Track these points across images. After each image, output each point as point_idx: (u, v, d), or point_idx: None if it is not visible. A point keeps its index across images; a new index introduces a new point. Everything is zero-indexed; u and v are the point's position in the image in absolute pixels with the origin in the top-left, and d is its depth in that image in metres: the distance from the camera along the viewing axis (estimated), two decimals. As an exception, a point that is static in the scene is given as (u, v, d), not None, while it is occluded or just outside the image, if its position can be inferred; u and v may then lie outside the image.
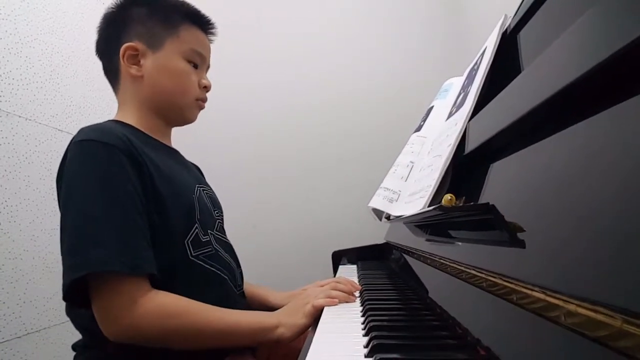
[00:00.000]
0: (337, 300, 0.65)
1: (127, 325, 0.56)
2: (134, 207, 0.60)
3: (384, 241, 1.28)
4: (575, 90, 0.31)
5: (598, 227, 0.25)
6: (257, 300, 0.87)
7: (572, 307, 0.24)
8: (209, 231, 0.73)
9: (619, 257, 0.22)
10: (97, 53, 0.78)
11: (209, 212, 0.77)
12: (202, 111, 0.82)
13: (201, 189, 0.78)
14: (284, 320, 0.62)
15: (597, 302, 0.22)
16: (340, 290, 0.68)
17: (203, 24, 0.79)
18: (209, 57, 0.82)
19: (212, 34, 0.82)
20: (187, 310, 0.60)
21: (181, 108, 0.77)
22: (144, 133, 0.73)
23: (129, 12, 0.75)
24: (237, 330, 0.61)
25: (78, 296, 0.58)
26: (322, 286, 0.76)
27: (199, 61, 0.78)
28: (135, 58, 0.73)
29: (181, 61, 0.75)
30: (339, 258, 1.28)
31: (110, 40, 0.75)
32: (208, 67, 0.83)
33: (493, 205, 0.39)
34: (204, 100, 0.80)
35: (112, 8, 0.76)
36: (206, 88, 0.80)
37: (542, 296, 0.28)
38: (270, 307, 0.83)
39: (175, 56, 0.74)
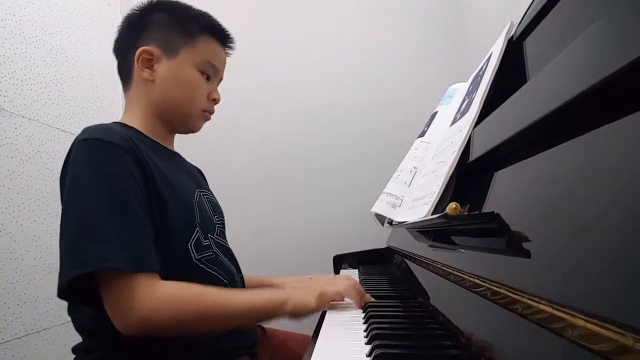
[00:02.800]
0: (346, 299, 0.66)
1: (142, 318, 0.56)
2: (137, 205, 0.60)
3: (386, 246, 1.28)
4: (582, 102, 0.31)
5: (606, 238, 0.25)
6: (260, 285, 0.88)
7: (580, 322, 0.24)
8: (209, 235, 0.74)
9: (631, 270, 0.22)
10: (113, 51, 0.79)
11: (209, 216, 0.77)
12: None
13: (201, 193, 0.78)
14: (294, 297, 0.62)
15: (606, 319, 0.21)
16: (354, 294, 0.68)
17: (222, 37, 0.80)
18: (223, 70, 0.82)
19: (230, 47, 0.82)
20: (199, 295, 0.60)
21: (186, 117, 0.78)
22: (147, 136, 0.74)
23: (150, 16, 0.76)
24: (250, 307, 0.62)
25: (76, 294, 0.58)
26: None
27: (211, 73, 0.78)
28: (149, 62, 0.74)
29: (193, 71, 0.76)
30: (340, 262, 1.28)
31: (128, 41, 0.76)
32: (221, 79, 0.83)
33: (498, 214, 0.39)
34: (211, 112, 0.81)
35: (135, 10, 0.77)
36: (215, 100, 0.80)
37: (548, 309, 0.28)
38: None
39: (188, 66, 0.75)
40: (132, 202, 0.59)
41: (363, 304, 0.65)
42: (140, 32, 0.75)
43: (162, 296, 0.57)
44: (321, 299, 0.63)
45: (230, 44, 0.82)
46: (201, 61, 0.76)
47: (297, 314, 0.62)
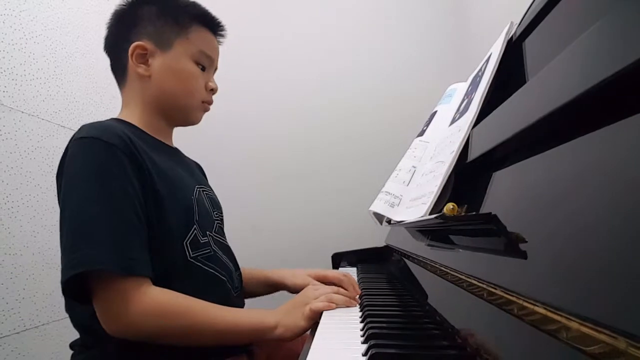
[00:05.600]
0: (334, 305, 0.65)
1: (127, 323, 0.56)
2: (131, 208, 0.60)
3: (384, 244, 1.28)
4: (581, 104, 0.31)
5: (603, 241, 0.25)
6: (253, 278, 0.89)
7: (574, 325, 0.24)
8: (207, 232, 0.73)
9: (627, 274, 0.22)
10: (105, 49, 0.78)
11: (208, 213, 0.77)
12: (204, 110, 0.81)
13: (201, 189, 0.78)
14: (284, 321, 0.62)
15: (600, 323, 0.22)
16: (342, 295, 0.68)
17: (213, 25, 0.79)
18: (217, 59, 0.82)
19: (222, 35, 0.82)
20: (186, 309, 0.60)
21: (186, 110, 0.78)
22: (146, 132, 0.73)
23: (139, 10, 0.75)
24: (236, 329, 0.61)
25: (78, 292, 0.58)
26: (323, 276, 0.79)
27: (207, 63, 0.78)
28: (144, 57, 0.73)
29: (189, 63, 0.75)
30: (338, 260, 1.28)
31: (120, 38, 0.75)
32: (215, 69, 0.83)
33: (495, 215, 0.39)
34: (210, 102, 0.81)
35: (123, 5, 0.76)
36: (213, 91, 0.80)
37: (543, 311, 0.28)
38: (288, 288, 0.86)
39: (183, 57, 0.74)
40: (126, 204, 0.59)
41: (355, 297, 0.66)
42: (131, 28, 0.74)
43: (150, 303, 0.57)
44: (311, 315, 0.62)
45: (221, 32, 0.81)
46: (196, 52, 0.75)
47: (288, 336, 0.62)
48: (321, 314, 0.62)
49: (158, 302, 0.58)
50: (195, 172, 0.88)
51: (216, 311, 0.62)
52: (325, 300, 0.64)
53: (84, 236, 0.56)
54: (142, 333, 0.58)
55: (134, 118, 0.74)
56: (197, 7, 0.78)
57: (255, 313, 0.65)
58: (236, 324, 0.62)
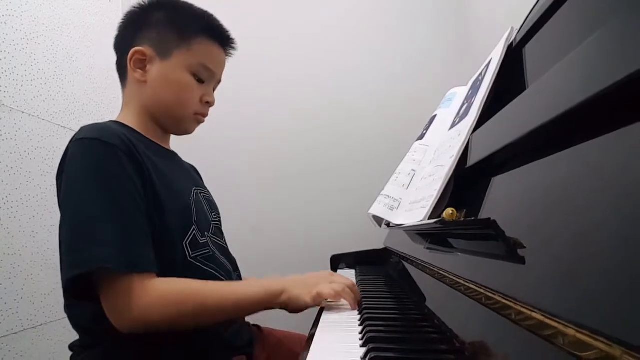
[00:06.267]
0: (341, 300, 0.65)
1: (135, 318, 0.57)
2: (134, 206, 0.60)
3: (383, 246, 1.28)
4: (581, 111, 0.31)
5: (602, 247, 0.25)
6: None
7: (570, 331, 0.24)
8: (205, 233, 0.74)
9: (626, 283, 0.22)
10: (114, 47, 0.78)
11: (206, 214, 0.77)
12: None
13: (198, 191, 0.78)
14: (290, 290, 0.63)
15: (597, 331, 0.22)
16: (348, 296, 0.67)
17: (222, 39, 0.78)
18: (221, 73, 0.81)
19: (232, 48, 0.81)
20: (191, 294, 0.61)
21: (178, 120, 0.77)
22: (143, 136, 0.73)
23: (149, 15, 0.75)
24: (244, 302, 0.63)
25: (80, 291, 0.59)
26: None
27: (205, 77, 0.76)
28: (142, 63, 0.73)
29: (185, 74, 0.74)
30: (337, 262, 1.28)
31: (125, 40, 0.75)
32: (219, 82, 0.82)
33: (494, 221, 0.39)
34: (204, 115, 0.80)
35: (136, 7, 0.76)
36: (208, 104, 0.79)
37: (540, 317, 0.28)
38: None
39: (180, 68, 0.74)
40: (128, 202, 0.60)
41: (357, 306, 0.65)
42: (137, 31, 0.74)
43: (154, 296, 0.58)
44: (317, 297, 0.63)
45: (231, 45, 0.80)
46: (194, 64, 0.74)
47: (290, 306, 0.63)
48: (322, 311, 0.63)
49: (162, 292, 0.59)
50: (192, 174, 0.88)
51: (222, 286, 0.64)
52: (338, 289, 0.65)
53: (86, 235, 0.57)
54: (152, 324, 0.58)
55: (131, 120, 0.74)
56: (208, 19, 0.77)
57: (261, 282, 0.66)
58: (241, 295, 0.63)
